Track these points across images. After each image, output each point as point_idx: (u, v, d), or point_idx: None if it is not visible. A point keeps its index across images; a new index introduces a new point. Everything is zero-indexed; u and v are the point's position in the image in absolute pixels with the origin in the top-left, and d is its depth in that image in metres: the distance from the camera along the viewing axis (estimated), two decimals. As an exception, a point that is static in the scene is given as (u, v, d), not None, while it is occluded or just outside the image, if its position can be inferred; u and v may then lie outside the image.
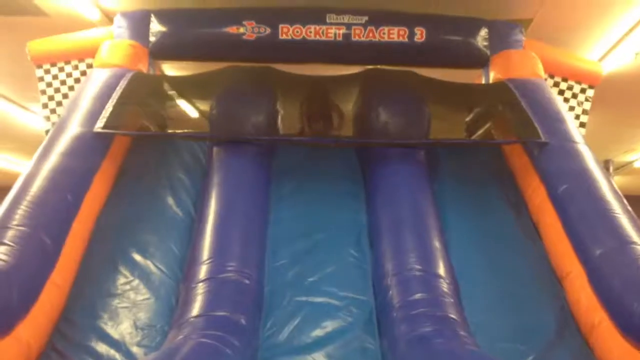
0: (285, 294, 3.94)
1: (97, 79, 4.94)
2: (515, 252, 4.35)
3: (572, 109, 5.60)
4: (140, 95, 5.06)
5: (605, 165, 5.15)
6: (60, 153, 4.19)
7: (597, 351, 3.63)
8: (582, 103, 5.62)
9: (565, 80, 5.59)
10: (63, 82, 5.46)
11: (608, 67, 6.60)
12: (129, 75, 4.95)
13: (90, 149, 4.38)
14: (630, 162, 10.36)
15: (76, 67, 5.46)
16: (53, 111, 5.45)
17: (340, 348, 3.64)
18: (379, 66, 5.56)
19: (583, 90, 5.61)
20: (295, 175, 4.87)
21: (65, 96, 5.42)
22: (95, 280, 3.93)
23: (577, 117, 5.60)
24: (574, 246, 3.97)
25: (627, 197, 4.22)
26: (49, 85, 5.47)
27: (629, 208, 4.03)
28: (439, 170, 4.95)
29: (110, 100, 4.65)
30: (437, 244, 4.14)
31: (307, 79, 5.40)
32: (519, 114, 4.87)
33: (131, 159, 4.85)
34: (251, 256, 3.99)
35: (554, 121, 4.77)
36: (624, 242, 3.68)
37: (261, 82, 5.13)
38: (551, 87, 5.49)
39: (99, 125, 4.45)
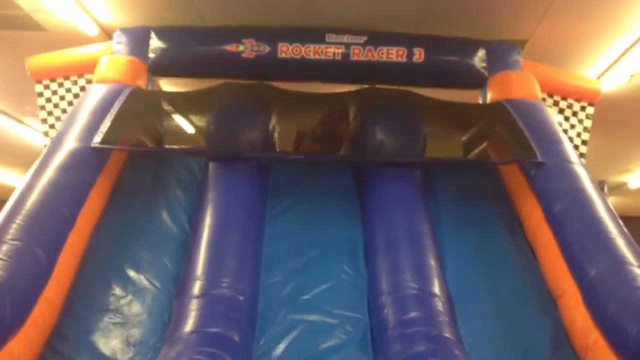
0: (279, 311, 3.92)
1: (95, 94, 4.95)
2: (510, 272, 4.35)
3: (572, 127, 5.63)
4: (138, 111, 5.07)
5: (600, 186, 5.16)
6: (56, 167, 4.19)
7: (593, 374, 3.62)
8: (582, 121, 5.65)
9: (564, 99, 5.63)
10: (62, 98, 5.47)
11: (603, 88, 6.64)
12: (127, 91, 4.96)
13: (86, 164, 4.38)
14: (625, 183, 10.39)
15: (75, 83, 5.48)
16: (52, 126, 5.46)
17: None
18: (377, 86, 5.58)
19: (583, 108, 5.64)
20: (291, 193, 4.87)
21: (64, 111, 5.43)
22: (88, 296, 3.91)
23: (579, 134, 5.64)
24: (569, 266, 3.97)
25: (622, 218, 4.23)
26: (48, 100, 5.48)
27: (624, 229, 4.04)
28: (435, 189, 4.96)
29: (108, 116, 4.65)
30: (432, 262, 4.13)
31: (304, 96, 5.42)
32: (516, 134, 4.89)
33: (127, 174, 4.85)
34: (245, 273, 3.97)
35: (550, 141, 4.79)
36: (619, 262, 3.68)
37: (258, 99, 5.15)
38: (551, 106, 5.53)
39: (96, 141, 4.45)
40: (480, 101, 5.65)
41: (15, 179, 11.97)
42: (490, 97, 5.50)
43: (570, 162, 4.64)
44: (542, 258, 4.35)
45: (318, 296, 4.03)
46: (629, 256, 3.72)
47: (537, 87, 5.37)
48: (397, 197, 4.64)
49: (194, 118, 5.66)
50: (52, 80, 5.47)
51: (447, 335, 3.60)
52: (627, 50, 6.15)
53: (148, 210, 4.57)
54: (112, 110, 4.71)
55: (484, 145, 5.54)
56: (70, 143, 4.43)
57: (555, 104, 5.60)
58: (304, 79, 5.60)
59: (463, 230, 4.61)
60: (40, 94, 5.48)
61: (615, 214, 4.21)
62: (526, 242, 4.57)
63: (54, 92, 5.48)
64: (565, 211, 4.25)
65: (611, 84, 6.77)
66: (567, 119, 5.61)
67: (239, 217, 4.38)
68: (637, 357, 3.20)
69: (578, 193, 4.35)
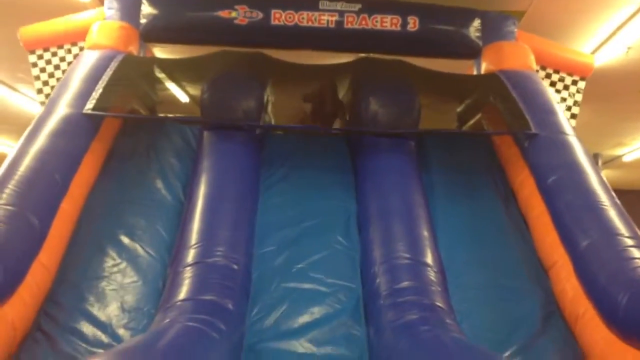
0: (273, 280, 3.94)
1: (87, 60, 4.90)
2: (503, 242, 4.38)
3: (563, 100, 5.62)
4: (131, 77, 5.02)
5: (594, 159, 5.18)
6: (48, 134, 4.16)
7: (582, 341, 3.66)
8: (573, 94, 5.64)
9: (557, 72, 5.61)
10: (57, 67, 5.41)
11: (599, 61, 6.62)
12: (119, 57, 4.92)
13: (79, 131, 4.34)
14: (619, 156, 10.41)
15: (69, 51, 5.41)
16: (48, 96, 5.40)
17: (326, 334, 3.65)
18: (370, 54, 5.54)
19: (575, 82, 5.63)
20: (285, 163, 4.87)
21: (59, 81, 5.37)
22: (82, 262, 3.91)
23: (569, 108, 5.63)
24: (561, 237, 4.00)
25: (615, 191, 4.24)
26: (43, 70, 5.42)
27: (617, 201, 4.05)
28: (429, 160, 4.96)
29: (100, 82, 4.61)
30: (425, 232, 4.15)
31: (298, 67, 5.38)
32: (510, 105, 4.88)
33: (121, 141, 4.82)
34: (239, 242, 3.98)
35: (544, 113, 4.78)
36: (610, 234, 3.71)
37: (253, 69, 5.11)
38: (543, 78, 5.50)
39: (88, 107, 4.42)
40: (475, 71, 5.62)
41: (8, 147, 11.91)
42: (484, 67, 5.48)
43: (564, 133, 4.63)
44: (535, 229, 4.37)
45: (311, 265, 4.05)
46: (621, 227, 3.74)
47: (532, 58, 5.35)
48: (391, 168, 4.64)
49: (188, 86, 5.62)
50: (46, 49, 5.40)
51: (438, 304, 3.63)
52: (623, 23, 6.13)
53: (142, 178, 4.55)
54: (104, 77, 4.67)
55: (478, 116, 5.53)
56: (63, 110, 4.39)
57: (547, 76, 5.58)
58: (297, 47, 5.55)
59: (456, 201, 4.63)
60: (35, 64, 5.42)
61: (609, 186, 4.22)
62: (519, 213, 4.59)
63: (48, 62, 5.41)
64: (559, 183, 4.26)
65: (607, 57, 6.75)
66: (558, 92, 5.61)
67: (233, 186, 4.37)
68: (627, 327, 3.23)
69: (571, 165, 4.35)
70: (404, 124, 4.85)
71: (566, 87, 5.62)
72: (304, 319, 3.73)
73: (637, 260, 3.43)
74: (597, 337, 3.47)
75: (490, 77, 5.24)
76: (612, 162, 10.69)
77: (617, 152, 10.29)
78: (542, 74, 5.54)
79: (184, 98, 5.66)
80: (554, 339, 3.76)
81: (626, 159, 10.38)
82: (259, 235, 4.22)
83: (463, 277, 4.07)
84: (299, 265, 4.04)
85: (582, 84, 5.65)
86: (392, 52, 5.49)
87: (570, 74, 5.64)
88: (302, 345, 3.59)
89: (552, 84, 5.59)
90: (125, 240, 4.08)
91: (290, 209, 4.48)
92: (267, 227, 4.29)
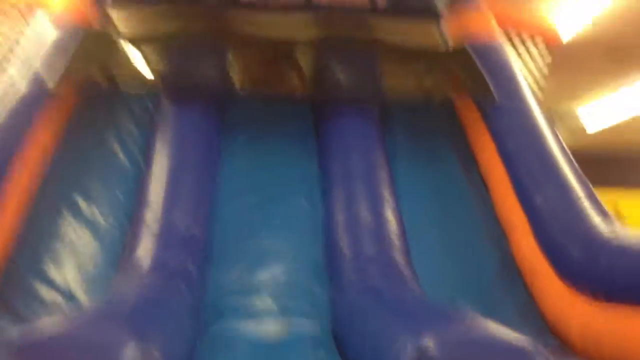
0: (234, 240, 3.94)
1: (44, 27, 4.79)
2: (463, 206, 4.44)
3: (525, 64, 5.66)
4: (89, 45, 4.91)
5: (553, 126, 5.25)
6: (5, 103, 4.09)
7: (537, 295, 3.75)
8: (535, 59, 5.68)
9: (519, 36, 5.64)
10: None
11: (565, 29, 6.67)
12: (78, 26, 4.81)
13: (36, 100, 4.27)
14: (578, 120, 10.59)
15: (27, 21, 5.28)
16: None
17: (287, 293, 3.67)
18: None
19: (538, 48, 5.67)
20: (247, 130, 4.83)
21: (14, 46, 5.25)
22: (40, 226, 3.87)
23: (532, 75, 5.68)
24: (519, 198, 4.07)
25: (572, 154, 4.32)
26: None
27: (573, 160, 4.13)
28: (392, 126, 4.97)
29: (56, 49, 4.51)
30: (387, 196, 4.17)
31: (260, 40, 5.30)
32: (472, 71, 4.90)
33: (79, 109, 4.72)
34: (200, 206, 3.97)
35: (506, 79, 4.82)
36: (565, 192, 3.78)
37: (214, 37, 5.03)
38: (506, 42, 5.53)
39: (45, 74, 4.33)
40: (439, 37, 5.61)
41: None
42: (448, 33, 5.47)
43: (525, 100, 4.68)
44: (494, 192, 4.44)
45: (273, 227, 4.06)
46: (576, 187, 3.82)
47: (495, 24, 5.37)
48: (354, 133, 4.65)
49: (146, 53, 5.52)
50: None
51: (400, 265, 3.67)
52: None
53: (100, 145, 4.50)
54: (63, 45, 4.57)
55: (441, 83, 5.54)
56: (20, 79, 4.31)
57: (510, 40, 5.61)
58: (263, 22, 5.45)
59: (418, 164, 4.66)
60: None
61: (567, 149, 4.29)
62: (480, 177, 4.65)
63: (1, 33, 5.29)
64: (518, 147, 4.33)
65: (573, 25, 6.80)
66: (520, 56, 5.64)
67: (194, 152, 4.34)
68: (579, 278, 3.31)
69: (531, 130, 4.41)
70: (367, 90, 4.86)
71: (530, 54, 5.67)
72: (265, 276, 3.75)
73: (589, 215, 3.52)
74: (551, 290, 3.56)
75: (458, 50, 5.22)
76: (571, 125, 10.84)
77: (576, 115, 10.46)
78: (504, 37, 5.56)
79: (143, 66, 5.56)
80: (512, 297, 3.84)
81: (584, 123, 10.56)
82: (221, 201, 4.21)
83: (424, 239, 4.11)
84: (261, 227, 4.06)
85: (545, 51, 5.70)
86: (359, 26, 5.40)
87: (534, 40, 5.67)
88: (262, 302, 3.60)
89: (515, 48, 5.62)
90: (83, 205, 4.04)
91: (253, 175, 4.47)
92: (228, 192, 4.27)
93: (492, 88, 4.70)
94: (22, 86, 4.26)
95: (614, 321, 2.97)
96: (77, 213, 4.00)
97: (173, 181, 4.02)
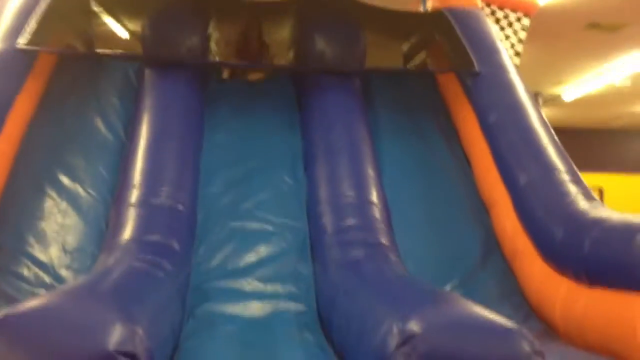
0: (219, 220, 3.93)
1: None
2: (446, 181, 4.46)
3: (507, 37, 5.65)
4: (66, 10, 4.79)
5: (535, 98, 5.26)
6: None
7: (519, 275, 3.80)
8: (517, 32, 5.67)
9: (501, 8, 5.61)
10: None
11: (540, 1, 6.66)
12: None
13: (12, 67, 4.15)
14: (559, 96, 10.65)
15: None
16: None
17: (272, 272, 3.69)
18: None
19: (519, 19, 5.65)
20: (230, 102, 4.79)
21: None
22: (21, 203, 3.81)
23: (512, 45, 5.66)
24: (502, 175, 4.10)
25: (555, 130, 4.34)
26: None
27: (556, 139, 4.16)
28: (374, 98, 4.96)
29: (33, 15, 4.39)
30: (370, 171, 4.18)
31: (242, 4, 5.23)
32: (454, 43, 4.89)
33: (57, 79, 4.61)
34: (184, 182, 3.93)
35: (488, 52, 4.81)
36: (548, 171, 3.81)
37: (196, 4, 4.94)
38: (487, 15, 5.50)
39: (21, 41, 4.21)
40: (421, 8, 5.59)
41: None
42: (430, 4, 5.44)
43: (507, 72, 4.68)
44: (476, 167, 4.47)
45: (257, 205, 4.05)
46: (559, 164, 3.85)
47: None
48: (336, 106, 4.62)
49: (128, 22, 5.41)
50: None
51: (383, 241, 3.69)
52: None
53: (81, 117, 4.41)
54: (37, 9, 4.44)
55: (423, 55, 5.52)
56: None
57: (492, 13, 5.58)
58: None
59: (401, 139, 4.67)
60: None
61: (549, 125, 4.32)
62: (462, 151, 4.67)
63: None
64: (500, 121, 4.33)
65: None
66: (502, 29, 5.62)
67: (177, 125, 4.29)
68: (562, 260, 3.36)
69: (513, 104, 4.42)
70: (349, 62, 4.82)
71: (510, 24, 5.65)
72: (251, 257, 3.76)
73: (573, 196, 3.55)
74: (534, 271, 3.61)
75: (436, 15, 5.21)
76: (553, 101, 10.92)
77: (558, 91, 10.52)
78: (486, 10, 5.54)
79: (123, 34, 5.45)
80: (493, 274, 3.90)
81: (565, 98, 10.63)
82: (204, 175, 4.18)
83: (407, 215, 4.14)
84: (245, 205, 4.04)
85: (526, 21, 5.68)
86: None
87: (514, 11, 5.65)
88: (248, 284, 3.62)
89: (497, 20, 5.60)
90: (65, 180, 3.98)
91: (236, 148, 4.44)
92: (212, 167, 4.25)
93: (471, 56, 4.69)
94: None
95: (597, 304, 3.03)
96: (60, 189, 3.94)
97: (156, 156, 3.97)
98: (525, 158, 3.98)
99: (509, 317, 2.40)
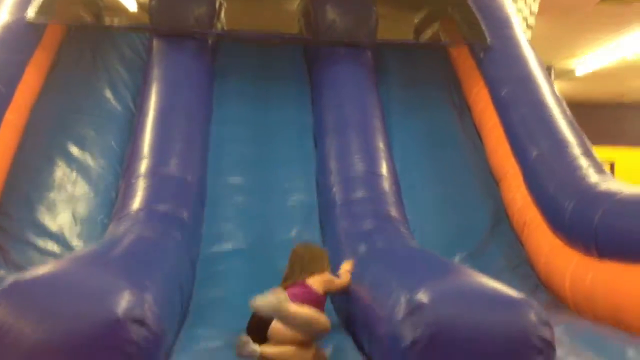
0: (228, 192, 3.94)
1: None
2: (456, 154, 4.45)
3: (519, 10, 5.57)
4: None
5: (547, 72, 5.19)
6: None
7: (528, 247, 3.80)
8: (530, 4, 5.59)
9: None
10: None
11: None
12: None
13: (21, 39, 4.16)
14: (571, 70, 10.53)
15: None
16: None
17: (281, 243, 3.69)
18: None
19: None
20: (240, 74, 4.76)
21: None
22: (31, 173, 3.82)
23: (525, 19, 5.59)
24: (513, 148, 4.07)
25: (568, 104, 4.30)
26: None
27: (569, 113, 4.12)
28: (386, 72, 4.92)
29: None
30: (380, 144, 4.16)
31: None
32: (467, 17, 4.83)
33: (66, 50, 4.62)
34: (193, 153, 3.93)
35: (501, 24, 4.76)
36: (560, 145, 3.78)
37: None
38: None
39: (30, 14, 4.20)
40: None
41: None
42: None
43: (519, 46, 4.63)
44: (487, 140, 4.44)
45: (266, 178, 4.05)
46: (571, 139, 3.82)
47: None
48: (347, 79, 4.59)
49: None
50: None
51: (392, 213, 3.68)
52: None
53: (90, 88, 4.41)
54: None
55: (435, 28, 5.47)
56: (3, 17, 4.18)
57: None
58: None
59: (412, 113, 4.64)
60: None
61: (561, 99, 4.28)
62: (473, 126, 4.64)
63: None
64: (512, 95, 4.30)
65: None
66: (514, 1, 5.54)
67: (186, 97, 4.27)
68: (571, 232, 3.35)
69: (525, 77, 4.38)
70: (361, 33, 4.78)
71: None
72: (261, 230, 3.76)
73: (584, 170, 3.53)
74: (543, 243, 3.60)
75: None
76: (565, 75, 10.80)
77: (570, 65, 10.38)
78: None
79: (131, 5, 5.43)
80: (501, 245, 3.90)
81: (578, 72, 10.51)
82: (213, 148, 4.18)
83: (417, 188, 4.14)
84: (254, 179, 4.04)
85: None
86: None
87: None
88: (256, 251, 3.63)
89: None
90: (75, 150, 3.99)
91: (246, 121, 4.43)
92: (221, 140, 4.25)
93: (483, 29, 4.64)
94: (4, 23, 4.14)
95: (606, 276, 3.02)
96: (70, 159, 3.95)
97: (165, 127, 3.96)
98: (536, 131, 3.95)
99: (517, 288, 2.39)
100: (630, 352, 2.55)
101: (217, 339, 2.78)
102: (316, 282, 2.75)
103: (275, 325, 2.52)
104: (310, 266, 2.79)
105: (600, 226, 3.07)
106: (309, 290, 2.73)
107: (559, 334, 2.67)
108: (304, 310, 2.58)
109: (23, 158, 3.87)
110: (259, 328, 2.54)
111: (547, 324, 2.08)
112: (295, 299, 2.60)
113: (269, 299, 2.47)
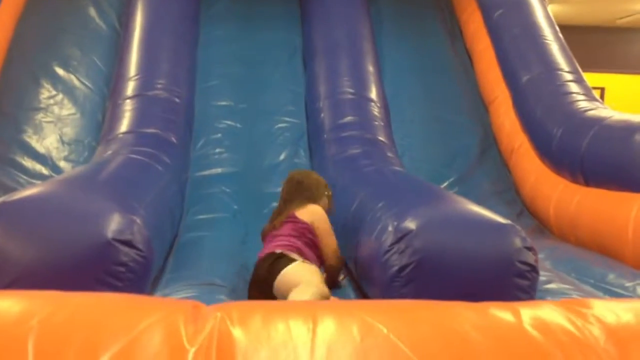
0: (217, 115, 3.90)
1: None
2: (447, 79, 4.41)
3: None
4: None
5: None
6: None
7: (515, 172, 3.84)
8: None
9: None
10: None
11: None
12: None
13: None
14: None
15: None
16: None
17: (270, 166, 3.70)
18: None
19: None
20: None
21: None
22: (16, 94, 3.76)
23: None
24: (504, 72, 4.05)
25: (560, 27, 4.24)
26: None
27: (561, 36, 4.07)
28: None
29: None
30: (370, 67, 4.11)
31: None
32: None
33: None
34: (180, 74, 3.86)
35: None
36: (551, 69, 3.76)
37: None
38: None
39: None
40: None
41: None
42: None
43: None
44: (478, 64, 4.40)
45: (256, 101, 4.02)
46: (562, 63, 3.79)
47: None
48: (338, 1, 4.48)
49: None
50: None
51: (380, 138, 3.68)
52: None
53: (74, 6, 4.28)
54: None
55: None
56: None
57: None
58: None
59: (403, 35, 4.57)
60: None
61: (554, 21, 4.21)
62: (464, 50, 4.59)
63: None
64: (505, 17, 4.24)
65: None
66: None
67: (173, 16, 4.16)
68: (560, 158, 3.37)
69: (519, 2, 4.29)
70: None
71: None
72: (250, 154, 3.76)
73: (573, 95, 3.52)
74: (531, 169, 3.63)
75: None
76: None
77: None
78: None
79: None
80: (489, 171, 3.93)
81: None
82: (201, 69, 4.12)
83: (406, 112, 4.12)
84: (243, 102, 4.01)
85: None
86: None
87: None
88: (245, 175, 3.63)
89: None
90: (60, 71, 3.91)
91: (234, 42, 4.34)
92: (209, 61, 4.17)
93: None
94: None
95: (591, 202, 3.05)
96: (56, 80, 3.88)
97: (151, 48, 3.88)
98: (528, 55, 3.91)
99: (502, 213, 2.41)
100: (611, 276, 2.61)
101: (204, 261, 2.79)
102: (307, 213, 2.58)
103: (280, 280, 2.40)
104: (307, 193, 2.63)
105: (587, 152, 3.09)
106: (297, 224, 2.55)
107: (543, 258, 2.74)
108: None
109: (8, 78, 3.80)
110: (262, 288, 2.45)
111: (531, 249, 2.11)
112: (284, 240, 2.50)
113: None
